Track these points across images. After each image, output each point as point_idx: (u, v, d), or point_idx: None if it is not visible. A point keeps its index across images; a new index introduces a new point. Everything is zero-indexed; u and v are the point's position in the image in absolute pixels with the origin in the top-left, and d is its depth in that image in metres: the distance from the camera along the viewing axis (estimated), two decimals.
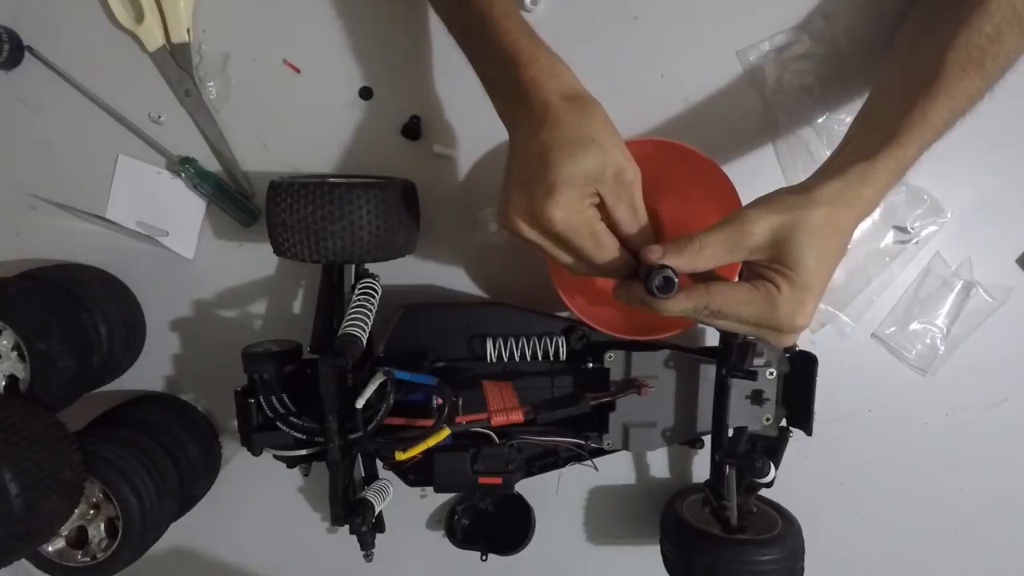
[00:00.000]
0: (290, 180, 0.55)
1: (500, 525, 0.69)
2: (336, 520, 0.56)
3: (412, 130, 0.62)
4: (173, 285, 0.66)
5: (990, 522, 0.71)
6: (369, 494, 0.59)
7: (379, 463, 0.63)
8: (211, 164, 0.63)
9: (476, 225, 0.64)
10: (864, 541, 0.71)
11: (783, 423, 0.62)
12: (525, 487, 0.66)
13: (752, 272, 0.46)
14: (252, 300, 0.67)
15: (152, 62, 0.61)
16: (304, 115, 0.62)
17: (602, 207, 0.46)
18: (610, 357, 0.59)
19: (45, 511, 0.51)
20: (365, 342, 0.55)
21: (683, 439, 0.62)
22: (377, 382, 0.52)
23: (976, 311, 0.66)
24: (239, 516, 0.71)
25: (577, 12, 0.60)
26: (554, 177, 0.43)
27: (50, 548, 0.57)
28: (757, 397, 0.60)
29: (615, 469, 0.70)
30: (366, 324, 0.55)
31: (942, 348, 0.67)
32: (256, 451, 0.57)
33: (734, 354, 0.58)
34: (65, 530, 0.57)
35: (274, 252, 0.56)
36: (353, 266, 0.60)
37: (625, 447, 0.61)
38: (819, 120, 0.62)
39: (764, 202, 0.46)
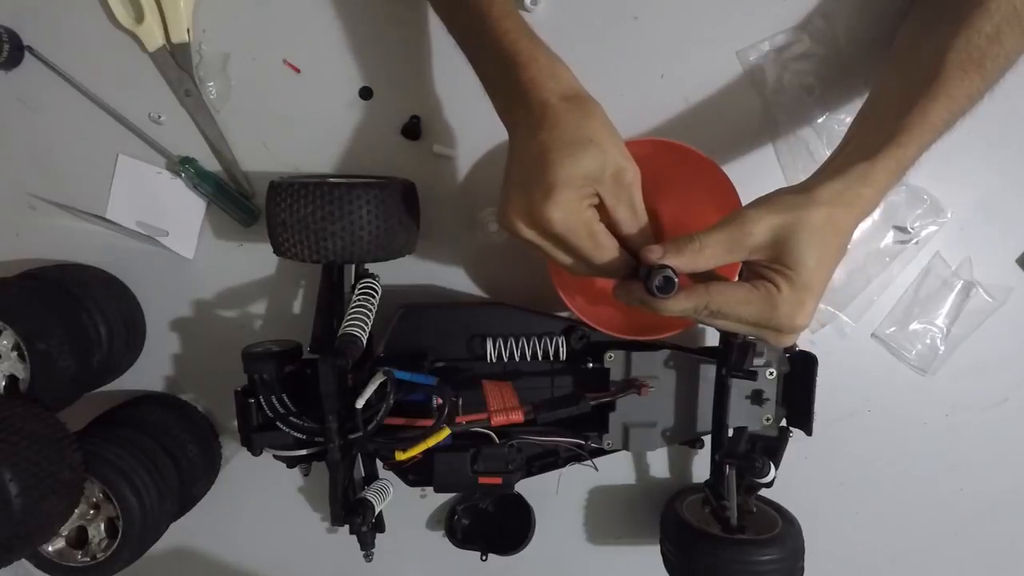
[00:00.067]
0: (290, 180, 0.55)
1: (500, 525, 0.69)
2: (336, 520, 0.56)
3: (412, 130, 0.62)
4: (173, 285, 0.66)
5: (990, 522, 0.71)
6: (369, 494, 0.59)
7: (379, 463, 0.63)
8: (211, 164, 0.63)
9: (476, 225, 0.64)
10: (864, 541, 0.71)
11: (783, 423, 0.62)
12: (525, 487, 0.66)
13: (752, 272, 0.46)
14: (252, 300, 0.67)
15: (152, 62, 0.61)
16: (304, 115, 0.62)
17: (602, 207, 0.46)
18: (610, 357, 0.59)
19: (45, 511, 0.51)
20: (365, 342, 0.55)
21: (683, 439, 0.62)
22: (377, 382, 0.52)
23: (976, 311, 0.66)
24: (239, 516, 0.71)
25: (577, 12, 0.60)
26: (553, 178, 0.43)
27: (50, 548, 0.57)
28: (757, 397, 0.60)
29: (615, 469, 0.70)
30: (366, 324, 0.55)
31: (942, 348, 0.67)
32: (256, 451, 0.57)
33: (734, 354, 0.58)
34: (65, 530, 0.57)
35: (274, 252, 0.57)
36: (353, 266, 0.60)
37: (625, 447, 0.61)
38: (819, 120, 0.62)
39: (764, 202, 0.46)
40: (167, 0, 0.59)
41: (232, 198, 0.63)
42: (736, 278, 0.49)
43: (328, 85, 0.62)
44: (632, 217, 0.46)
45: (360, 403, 0.52)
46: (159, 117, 0.63)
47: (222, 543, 0.72)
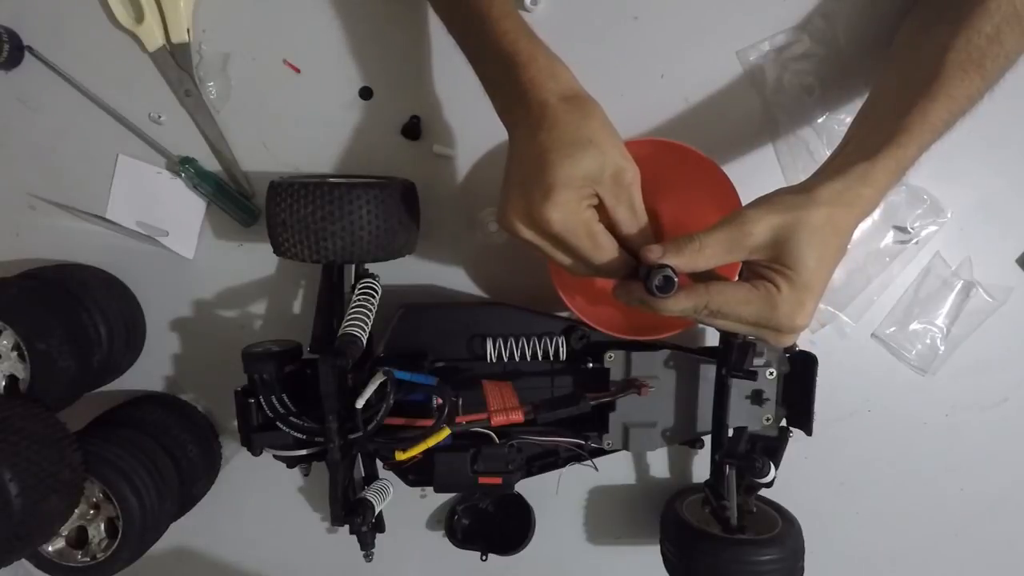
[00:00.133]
0: (290, 180, 0.55)
1: (500, 525, 0.69)
2: (336, 520, 0.56)
3: (412, 130, 0.62)
4: (173, 285, 0.66)
5: (990, 522, 0.71)
6: (369, 494, 0.59)
7: (379, 463, 0.63)
8: (211, 164, 0.63)
9: (476, 225, 0.64)
10: (864, 541, 0.71)
11: (783, 423, 0.62)
12: (525, 487, 0.66)
13: (752, 272, 0.46)
14: (252, 300, 0.67)
15: (152, 62, 0.61)
16: (304, 115, 0.62)
17: (601, 208, 0.46)
18: (610, 357, 0.59)
19: (45, 511, 0.51)
20: (365, 342, 0.55)
21: (683, 439, 0.62)
22: (377, 382, 0.52)
23: (976, 311, 0.66)
24: (239, 516, 0.71)
25: (577, 12, 0.60)
26: (552, 178, 0.43)
27: (50, 548, 0.57)
28: (757, 397, 0.60)
29: (615, 469, 0.70)
30: (366, 324, 0.55)
31: (942, 348, 0.67)
32: (256, 451, 0.57)
33: (734, 354, 0.58)
34: (65, 530, 0.57)
35: (274, 252, 0.57)
36: (353, 266, 0.60)
37: (625, 447, 0.61)
38: (819, 120, 0.62)
39: (764, 202, 0.46)
40: (167, 0, 0.59)
41: (232, 198, 0.63)
42: (736, 278, 0.49)
43: (328, 85, 0.62)
44: (632, 217, 0.46)
45: (360, 403, 0.52)
46: (159, 117, 0.63)
47: (222, 543, 0.72)
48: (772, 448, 0.60)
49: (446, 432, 0.53)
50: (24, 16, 0.61)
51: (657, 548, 0.64)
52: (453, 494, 0.69)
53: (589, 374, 0.60)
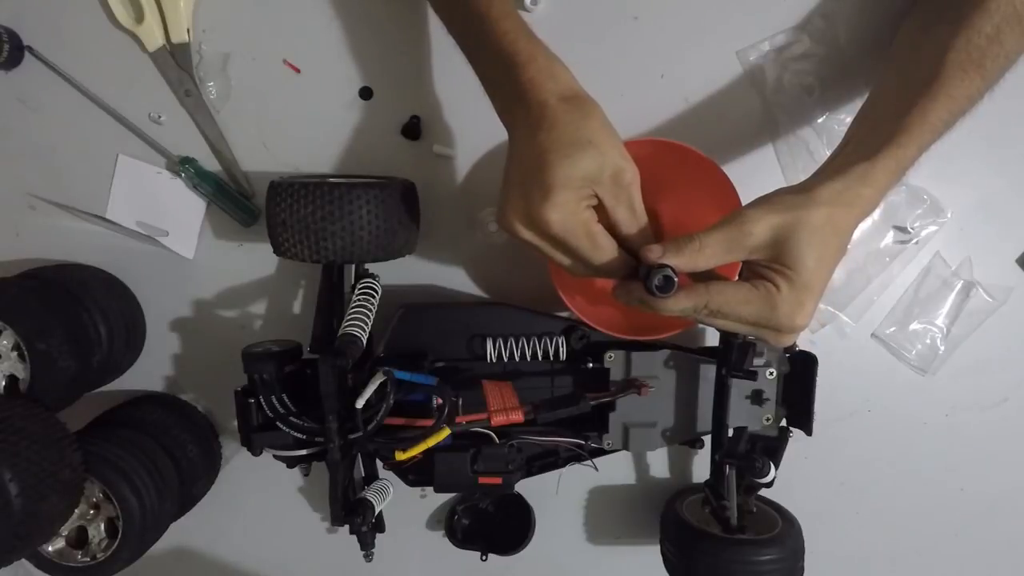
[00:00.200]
0: (290, 180, 0.55)
1: (500, 525, 0.69)
2: (336, 520, 0.56)
3: (412, 130, 0.62)
4: (173, 285, 0.66)
5: (990, 522, 0.71)
6: (369, 494, 0.59)
7: (379, 463, 0.63)
8: (211, 164, 0.63)
9: (476, 225, 0.64)
10: (864, 541, 0.71)
11: (783, 423, 0.62)
12: (525, 487, 0.66)
13: (752, 272, 0.46)
14: (252, 300, 0.67)
15: (152, 62, 0.61)
16: (304, 115, 0.62)
17: (601, 208, 0.46)
18: (610, 357, 0.59)
19: (45, 511, 0.51)
20: (365, 342, 0.55)
21: (683, 439, 0.62)
22: (377, 382, 0.52)
23: (976, 311, 0.66)
24: (239, 516, 0.71)
25: (577, 12, 0.60)
26: (551, 179, 0.43)
27: (50, 548, 0.57)
28: (757, 397, 0.60)
29: (615, 469, 0.70)
30: (366, 324, 0.55)
31: (942, 348, 0.67)
32: (256, 451, 0.57)
33: (734, 354, 0.58)
34: (65, 530, 0.57)
35: (274, 252, 0.57)
36: (353, 266, 0.60)
37: (625, 447, 0.61)
38: (819, 120, 0.62)
39: (764, 202, 0.46)
40: (167, 0, 0.59)
41: (232, 198, 0.63)
42: (736, 278, 0.49)
43: (328, 85, 0.62)
44: (631, 217, 0.46)
45: (360, 403, 0.52)
46: (159, 117, 0.63)
47: (222, 543, 0.72)
48: (772, 448, 0.60)
49: (446, 432, 0.53)
50: (24, 16, 0.61)
51: (657, 548, 0.64)
52: (453, 494, 0.69)
53: (589, 374, 0.60)
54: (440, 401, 0.54)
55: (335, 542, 0.72)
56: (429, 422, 0.54)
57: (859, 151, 0.47)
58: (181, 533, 0.69)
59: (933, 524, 0.71)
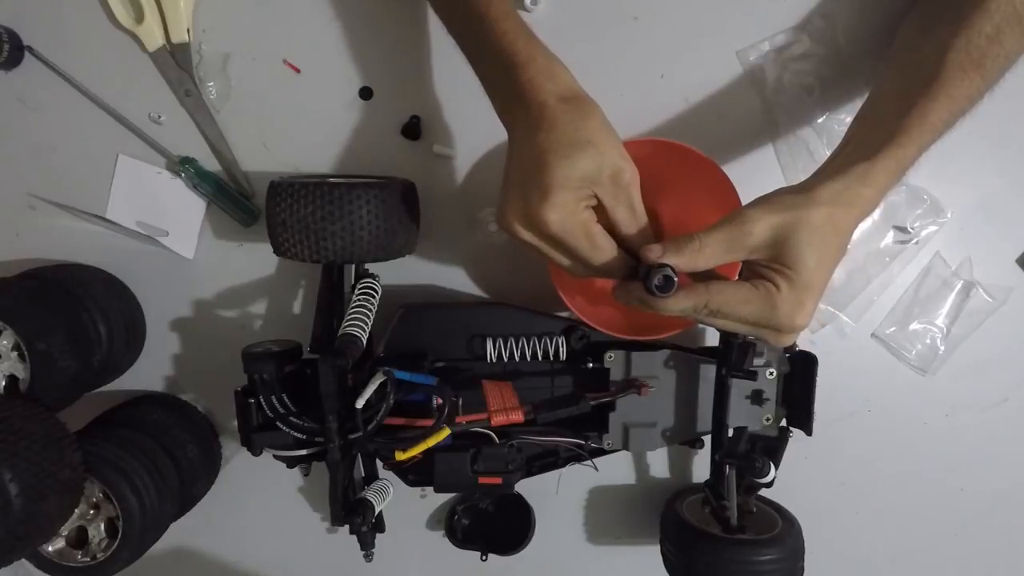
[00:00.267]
0: (290, 180, 0.55)
1: (500, 525, 0.69)
2: (336, 520, 0.56)
3: (412, 130, 0.62)
4: (173, 285, 0.66)
5: (990, 522, 0.71)
6: (369, 494, 0.59)
7: (379, 463, 0.63)
8: (211, 164, 0.63)
9: (476, 225, 0.64)
10: (864, 541, 0.71)
11: (783, 423, 0.62)
12: (525, 487, 0.66)
13: (752, 272, 0.46)
14: (252, 300, 0.67)
15: (152, 62, 0.61)
16: (304, 115, 0.62)
17: (600, 208, 0.46)
18: (610, 357, 0.59)
19: (45, 511, 0.51)
20: (365, 342, 0.55)
21: (683, 439, 0.62)
22: (377, 382, 0.52)
23: (976, 311, 0.66)
24: (239, 516, 0.71)
25: (577, 12, 0.60)
26: (550, 180, 0.43)
27: (50, 548, 0.57)
28: (757, 397, 0.60)
29: (615, 469, 0.70)
30: (366, 324, 0.55)
31: (942, 348, 0.67)
32: (256, 451, 0.57)
33: (734, 354, 0.58)
34: (65, 530, 0.57)
35: (274, 252, 0.57)
36: (353, 266, 0.60)
37: (625, 447, 0.61)
38: (819, 120, 0.62)
39: (764, 202, 0.46)
40: (167, 0, 0.59)
41: (232, 198, 0.63)
42: (736, 278, 0.49)
43: (328, 85, 0.62)
44: (631, 217, 0.46)
45: (360, 403, 0.52)
46: (159, 117, 0.63)
47: (222, 543, 0.72)
48: (772, 448, 0.60)
49: (446, 432, 0.53)
50: (24, 16, 0.61)
51: (657, 548, 0.64)
52: (453, 494, 0.69)
53: (589, 374, 0.60)
54: (440, 401, 0.54)
55: (335, 542, 0.72)
56: (429, 422, 0.54)
57: (859, 151, 0.47)
58: (181, 533, 0.69)
59: (933, 524, 0.71)
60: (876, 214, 0.62)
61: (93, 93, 0.62)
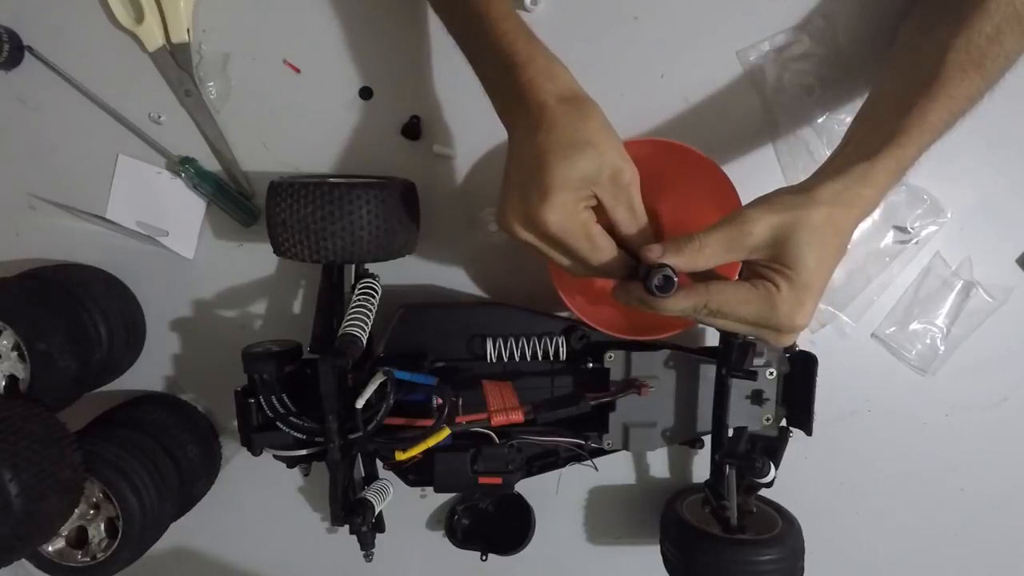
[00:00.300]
0: (290, 180, 0.55)
1: (500, 525, 0.69)
2: (336, 520, 0.56)
3: (412, 130, 0.62)
4: (173, 285, 0.66)
5: (990, 522, 0.71)
6: (369, 494, 0.59)
7: (379, 463, 0.63)
8: (211, 164, 0.63)
9: (476, 225, 0.64)
10: (864, 541, 0.71)
11: (783, 423, 0.62)
12: (525, 487, 0.66)
13: (752, 272, 0.46)
14: (252, 300, 0.67)
15: (152, 62, 0.61)
16: (304, 115, 0.62)
17: (600, 209, 0.46)
18: (610, 357, 0.59)
19: (45, 511, 0.51)
20: (365, 342, 0.55)
21: (683, 439, 0.62)
22: (377, 382, 0.52)
23: (976, 311, 0.66)
24: (239, 516, 0.71)
25: (577, 12, 0.60)
26: (549, 180, 0.43)
27: (50, 548, 0.57)
28: (757, 397, 0.60)
29: (615, 469, 0.70)
30: (366, 324, 0.55)
31: (942, 348, 0.67)
32: (256, 451, 0.57)
33: (734, 354, 0.58)
34: (65, 530, 0.57)
35: (274, 252, 0.57)
36: (353, 266, 0.60)
37: (625, 447, 0.61)
38: (819, 120, 0.62)
39: (764, 202, 0.46)
40: (167, 0, 0.59)
41: (232, 198, 0.63)
42: (736, 278, 0.49)
43: (328, 85, 0.62)
44: (631, 218, 0.46)
45: (360, 403, 0.52)
46: (159, 117, 0.63)
47: (222, 543, 0.72)
48: (772, 448, 0.60)
49: (446, 432, 0.53)
50: (24, 16, 0.61)
51: (657, 548, 0.64)
52: (453, 494, 0.69)
53: (589, 374, 0.60)
54: (440, 401, 0.54)
55: (335, 542, 0.72)
56: (429, 422, 0.54)
57: (859, 151, 0.47)
58: (181, 533, 0.69)
59: (933, 524, 0.71)
60: (876, 214, 0.62)
61: (93, 93, 0.62)
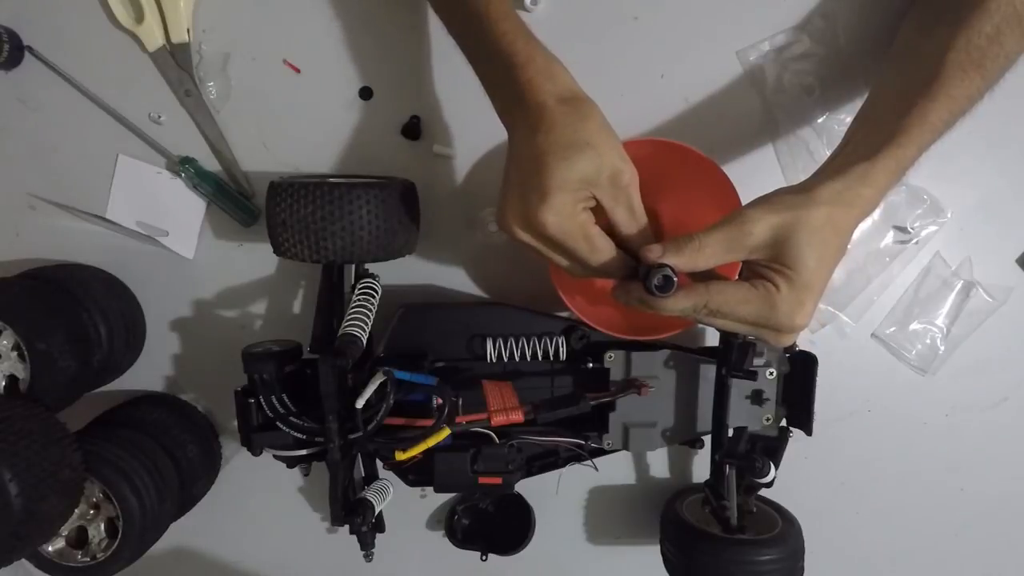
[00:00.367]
0: (290, 180, 0.55)
1: (500, 525, 0.69)
2: (336, 520, 0.56)
3: (412, 130, 0.62)
4: (173, 285, 0.66)
5: (990, 522, 0.71)
6: (369, 494, 0.59)
7: (379, 463, 0.63)
8: (211, 164, 0.63)
9: (476, 225, 0.64)
10: (864, 541, 0.71)
11: (783, 423, 0.62)
12: (525, 487, 0.66)
13: (752, 272, 0.46)
14: (252, 300, 0.67)
15: (152, 62, 0.61)
16: (304, 115, 0.62)
17: (600, 209, 0.46)
18: (610, 357, 0.59)
19: (45, 511, 0.51)
20: (365, 342, 0.55)
21: (683, 439, 0.62)
22: (377, 382, 0.52)
23: (976, 311, 0.66)
24: (239, 516, 0.71)
25: (577, 12, 0.60)
26: (548, 181, 0.43)
27: (50, 548, 0.57)
28: (757, 397, 0.60)
29: (615, 469, 0.70)
30: (366, 324, 0.55)
31: (942, 348, 0.67)
32: (256, 451, 0.57)
33: (734, 354, 0.58)
34: (65, 530, 0.57)
35: (274, 252, 0.57)
36: (353, 266, 0.60)
37: (625, 447, 0.61)
38: (819, 120, 0.62)
39: (764, 202, 0.46)
40: (167, 0, 0.59)
41: (232, 198, 0.63)
42: (736, 278, 0.49)
43: (328, 85, 0.62)
44: (630, 218, 0.46)
45: (360, 403, 0.52)
46: (159, 117, 0.63)
47: (222, 543, 0.72)
48: (772, 448, 0.60)
49: (446, 432, 0.53)
50: (24, 16, 0.61)
51: (657, 548, 0.64)
52: (453, 494, 0.69)
53: (589, 374, 0.60)
54: (440, 401, 0.54)
55: (335, 542, 0.72)
56: (429, 422, 0.54)
57: (859, 151, 0.47)
58: (181, 533, 0.69)
59: (933, 524, 0.71)
60: (876, 214, 0.62)
61: (93, 93, 0.62)
